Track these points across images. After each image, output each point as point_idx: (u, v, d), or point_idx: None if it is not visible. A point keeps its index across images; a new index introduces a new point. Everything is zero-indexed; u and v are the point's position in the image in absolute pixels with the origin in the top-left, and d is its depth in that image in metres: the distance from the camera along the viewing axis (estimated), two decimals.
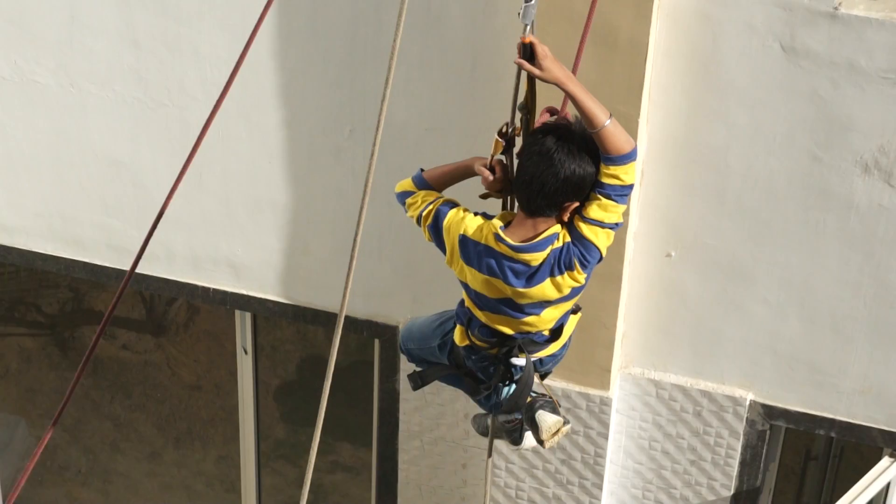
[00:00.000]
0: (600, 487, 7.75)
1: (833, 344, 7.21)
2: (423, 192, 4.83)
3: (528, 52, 4.47)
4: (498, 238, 4.61)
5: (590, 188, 4.52)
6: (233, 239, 7.92)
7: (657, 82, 6.73)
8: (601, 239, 4.60)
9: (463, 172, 4.85)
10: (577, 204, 4.54)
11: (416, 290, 7.76)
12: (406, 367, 8.02)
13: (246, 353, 8.73)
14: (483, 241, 4.64)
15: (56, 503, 10.21)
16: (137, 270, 8.17)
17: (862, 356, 7.20)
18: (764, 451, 7.62)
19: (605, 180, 4.50)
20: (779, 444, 7.78)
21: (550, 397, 5.15)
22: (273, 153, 7.61)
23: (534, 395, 5.16)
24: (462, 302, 4.97)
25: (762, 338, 7.30)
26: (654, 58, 6.65)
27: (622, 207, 4.57)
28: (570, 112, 4.72)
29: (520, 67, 4.52)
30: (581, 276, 4.64)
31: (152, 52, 7.48)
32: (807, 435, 8.03)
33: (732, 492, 7.73)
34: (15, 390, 10.06)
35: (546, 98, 4.83)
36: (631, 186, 4.54)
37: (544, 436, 5.07)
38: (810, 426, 7.48)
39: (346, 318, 7.68)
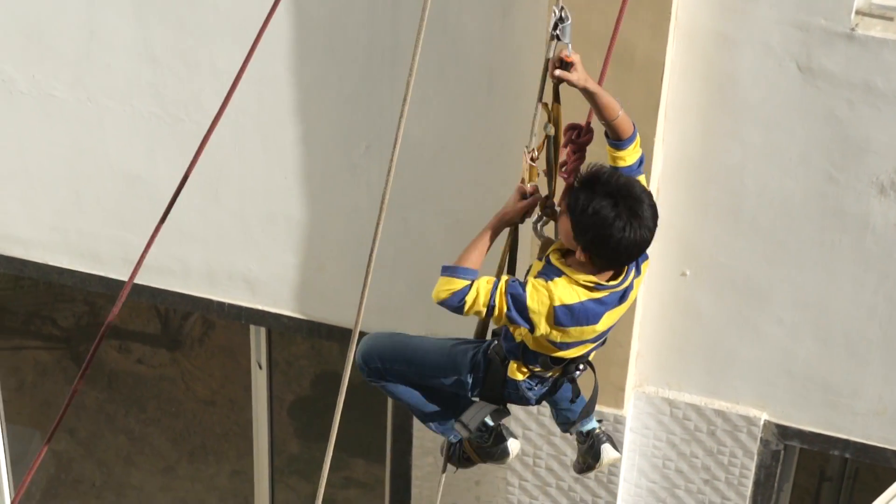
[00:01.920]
0: None
1: (848, 364, 7.20)
2: (477, 283, 4.73)
3: (567, 65, 4.55)
4: (598, 287, 4.61)
5: None
6: (248, 254, 7.93)
7: (673, 102, 6.74)
8: None
9: (497, 235, 4.82)
10: None
11: (431, 306, 7.68)
12: None
13: (260, 368, 8.73)
14: (583, 299, 4.61)
15: None
16: (154, 285, 8.21)
17: (877, 377, 7.19)
18: (778, 471, 7.60)
19: (633, 159, 4.65)
20: (793, 464, 7.76)
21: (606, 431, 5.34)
22: (289, 169, 7.62)
23: (598, 425, 5.32)
24: (506, 338, 4.92)
25: (777, 358, 7.28)
26: (671, 77, 6.66)
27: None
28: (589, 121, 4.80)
29: (556, 81, 4.59)
30: (647, 259, 4.77)
31: (170, 67, 7.51)
32: (821, 455, 8.01)
33: None
34: (30, 403, 10.07)
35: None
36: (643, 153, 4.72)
37: (604, 467, 5.42)
38: (825, 447, 7.46)
39: (361, 333, 7.68)
